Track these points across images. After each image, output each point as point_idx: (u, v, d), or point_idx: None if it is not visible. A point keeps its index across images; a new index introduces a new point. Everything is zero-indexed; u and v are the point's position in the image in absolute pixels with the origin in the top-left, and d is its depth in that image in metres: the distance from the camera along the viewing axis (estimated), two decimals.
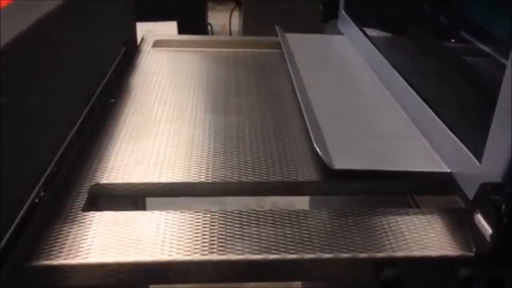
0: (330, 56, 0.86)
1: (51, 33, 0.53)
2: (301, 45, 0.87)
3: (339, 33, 0.95)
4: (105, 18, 0.77)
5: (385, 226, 0.49)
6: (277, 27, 0.91)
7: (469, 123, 0.51)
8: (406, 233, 0.48)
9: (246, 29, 2.61)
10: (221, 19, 3.53)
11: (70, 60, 0.60)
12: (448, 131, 0.52)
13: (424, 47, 0.70)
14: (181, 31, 1.97)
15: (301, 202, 1.13)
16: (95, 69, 0.73)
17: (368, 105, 0.67)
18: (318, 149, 0.53)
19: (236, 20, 3.26)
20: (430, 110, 0.56)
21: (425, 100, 0.58)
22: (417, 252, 0.46)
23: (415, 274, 0.46)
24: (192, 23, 2.50)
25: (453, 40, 0.66)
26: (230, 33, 3.20)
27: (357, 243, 0.47)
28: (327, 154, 0.53)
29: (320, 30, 1.13)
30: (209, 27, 3.07)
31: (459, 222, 0.49)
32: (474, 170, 0.47)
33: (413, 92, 0.60)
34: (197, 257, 0.45)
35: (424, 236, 0.48)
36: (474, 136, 0.47)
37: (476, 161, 0.46)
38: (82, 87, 0.65)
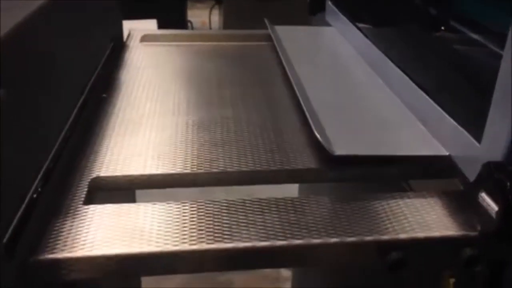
0: (320, 47, 0.87)
1: (42, 27, 0.53)
2: (290, 37, 0.87)
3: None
4: (93, 13, 0.77)
5: (387, 209, 0.50)
6: (266, 20, 0.92)
7: (466, 106, 0.52)
8: (408, 215, 0.49)
9: (227, 26, 2.60)
10: (201, 17, 3.53)
11: (62, 55, 0.59)
12: (445, 115, 0.53)
13: (414, 33, 0.70)
14: (161, 28, 1.96)
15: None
16: (85, 64, 0.72)
17: (363, 94, 0.67)
18: (318, 136, 0.53)
19: (215, 18, 3.26)
20: (425, 96, 0.57)
21: (420, 86, 0.59)
22: (421, 234, 0.47)
23: (419, 255, 0.47)
24: (172, 20, 2.49)
25: (443, 27, 0.67)
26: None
27: (361, 227, 0.47)
28: (327, 141, 0.53)
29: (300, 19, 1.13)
30: (189, 24, 3.06)
31: (458, 204, 0.50)
32: (474, 151, 0.48)
33: (408, 79, 0.61)
34: (204, 246, 0.45)
35: (426, 218, 0.48)
36: (472, 118, 0.48)
37: (476, 143, 0.47)
38: (74, 81, 0.65)
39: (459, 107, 0.52)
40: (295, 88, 0.64)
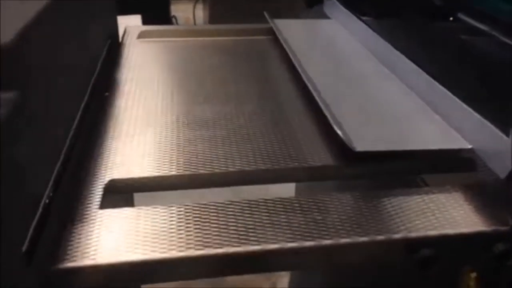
0: (324, 40, 0.85)
1: (49, 26, 0.50)
2: (292, 30, 0.86)
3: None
4: (91, 10, 0.74)
5: (413, 206, 0.49)
6: (266, 13, 0.90)
7: (490, 97, 0.51)
8: (436, 211, 0.48)
9: (214, 21, 2.57)
10: (185, 12, 3.48)
11: (66, 54, 0.57)
12: (467, 107, 0.52)
13: (425, 22, 0.69)
14: (145, 24, 1.93)
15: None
16: (86, 62, 0.70)
17: (375, 88, 0.66)
18: (339, 132, 0.52)
19: (199, 13, 3.23)
20: (443, 89, 0.56)
21: (437, 79, 0.58)
22: (450, 230, 0.46)
23: (450, 252, 0.46)
24: (156, 16, 2.46)
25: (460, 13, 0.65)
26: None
27: (389, 225, 0.46)
28: (348, 137, 0.52)
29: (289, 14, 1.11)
30: (174, 20, 3.03)
31: (484, 198, 0.49)
32: (501, 144, 0.47)
33: (422, 72, 0.60)
34: (232, 249, 0.43)
35: (454, 213, 0.48)
36: (499, 110, 0.47)
37: (504, 136, 0.46)
38: (78, 81, 0.63)
39: (482, 99, 0.51)
40: (307, 83, 0.63)
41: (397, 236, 0.45)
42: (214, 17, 2.57)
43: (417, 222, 0.47)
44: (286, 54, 0.77)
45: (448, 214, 0.47)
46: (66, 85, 0.56)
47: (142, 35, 0.90)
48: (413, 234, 0.45)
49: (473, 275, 0.58)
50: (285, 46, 0.76)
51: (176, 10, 3.36)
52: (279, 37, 0.80)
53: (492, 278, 0.54)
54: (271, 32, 0.89)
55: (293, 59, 0.71)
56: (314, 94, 0.60)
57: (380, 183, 0.58)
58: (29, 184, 0.41)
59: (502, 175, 0.47)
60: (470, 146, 0.52)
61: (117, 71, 0.77)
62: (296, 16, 1.11)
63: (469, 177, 0.53)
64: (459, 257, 0.47)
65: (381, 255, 0.46)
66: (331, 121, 0.54)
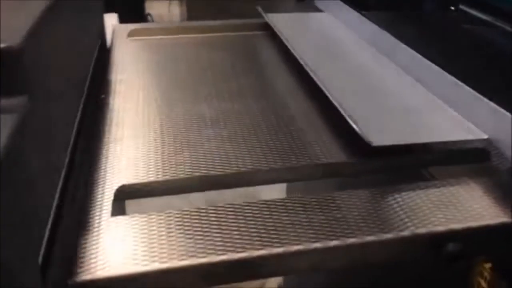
0: (320, 34, 0.84)
1: (49, 28, 0.48)
2: (287, 25, 0.84)
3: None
4: (83, 10, 0.72)
5: (434, 199, 0.48)
6: (259, 8, 0.88)
7: (501, 86, 0.51)
8: (457, 204, 0.47)
9: (191, 18, 2.54)
10: (159, 9, 3.43)
11: (64, 57, 0.54)
12: (482, 97, 0.51)
13: (421, 15, 0.68)
14: (120, 22, 1.90)
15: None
16: (81, 64, 0.67)
17: (381, 81, 0.65)
18: (355, 126, 0.51)
19: (175, 10, 3.19)
20: (454, 79, 0.55)
21: (447, 70, 0.57)
22: (474, 223, 0.45)
23: (476, 245, 0.45)
24: (131, 13, 2.42)
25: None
26: None
27: (411, 220, 0.45)
28: (364, 131, 0.51)
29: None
30: (149, 17, 2.98)
31: (503, 189, 0.49)
32: None
33: (430, 64, 0.59)
34: (256, 252, 0.42)
35: (475, 205, 0.47)
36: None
37: None
38: (75, 84, 0.60)
39: (493, 89, 0.50)
40: (314, 78, 0.61)
41: (421, 231, 0.44)
42: (192, 14, 2.54)
43: (440, 215, 0.46)
44: (284, 49, 0.76)
45: (470, 206, 0.47)
46: (65, 88, 0.54)
47: (132, 34, 0.88)
48: (439, 228, 0.44)
49: (488, 265, 0.58)
50: (285, 41, 0.74)
51: (151, 7, 3.32)
52: (279, 33, 0.78)
53: (507, 269, 0.53)
54: (265, 27, 0.87)
55: (296, 55, 0.69)
56: (324, 89, 0.58)
57: (390, 178, 0.57)
58: (40, 194, 0.39)
59: None
60: (486, 136, 0.51)
61: (111, 71, 0.75)
62: (284, 10, 1.09)
63: (481, 168, 0.53)
64: (486, 249, 0.46)
65: (406, 251, 0.45)
66: (347, 116, 0.52)
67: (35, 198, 0.37)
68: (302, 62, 0.66)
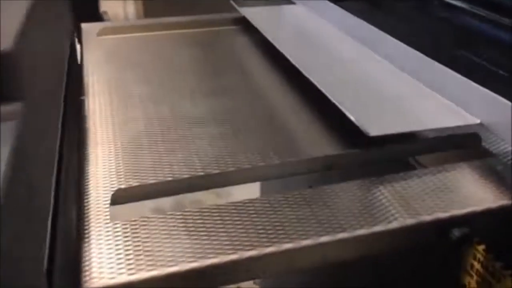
0: (298, 26, 0.83)
1: (32, 28, 0.46)
2: (263, 18, 0.83)
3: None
4: (55, 10, 0.69)
5: (438, 184, 0.48)
6: (232, 2, 0.87)
7: (487, 70, 0.51)
8: (462, 188, 0.47)
9: (148, 15, 2.49)
10: (113, 8, 3.36)
11: (44, 60, 0.52)
12: (472, 82, 0.52)
13: (392, 2, 0.69)
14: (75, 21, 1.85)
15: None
16: (57, 66, 0.64)
17: (366, 72, 0.65)
18: (352, 117, 0.50)
19: (130, 8, 3.12)
20: (441, 66, 0.56)
21: (431, 56, 0.57)
22: (479, 207, 0.45)
23: (483, 228, 0.46)
24: (86, 12, 2.36)
25: None
26: None
27: (418, 207, 0.45)
28: (361, 122, 0.50)
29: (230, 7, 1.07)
30: (105, 16, 2.91)
31: (498, 171, 0.49)
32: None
33: (416, 52, 0.59)
34: (265, 249, 0.41)
35: (478, 189, 0.47)
36: (501, 81, 0.47)
37: None
38: (55, 86, 0.57)
39: (481, 73, 0.51)
40: (302, 71, 0.61)
41: (428, 217, 0.44)
42: (149, 13, 2.49)
43: (447, 201, 0.46)
44: (262, 43, 0.75)
45: (473, 190, 0.47)
46: (48, 90, 0.51)
47: (102, 33, 0.85)
48: (445, 214, 0.45)
49: (481, 247, 0.59)
50: (267, 36, 0.73)
51: (104, 5, 3.24)
52: (259, 28, 0.76)
53: (501, 250, 0.54)
54: (239, 22, 0.86)
55: (280, 49, 0.68)
56: (315, 82, 0.58)
57: (379, 168, 0.57)
58: (39, 199, 0.37)
59: None
60: (478, 121, 0.52)
61: (87, 72, 0.72)
62: (254, 3, 1.08)
63: (474, 153, 0.53)
64: (492, 233, 0.47)
65: (415, 239, 0.45)
66: (342, 108, 0.52)
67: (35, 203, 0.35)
68: (287, 56, 0.65)
